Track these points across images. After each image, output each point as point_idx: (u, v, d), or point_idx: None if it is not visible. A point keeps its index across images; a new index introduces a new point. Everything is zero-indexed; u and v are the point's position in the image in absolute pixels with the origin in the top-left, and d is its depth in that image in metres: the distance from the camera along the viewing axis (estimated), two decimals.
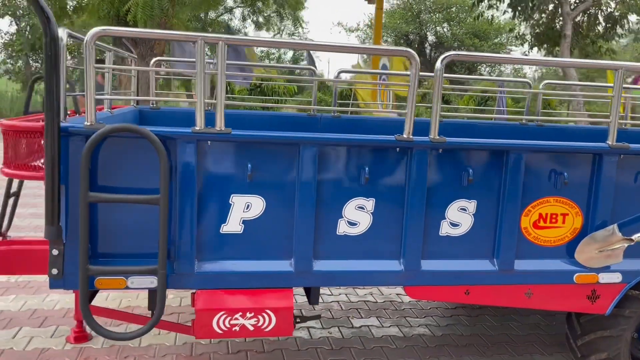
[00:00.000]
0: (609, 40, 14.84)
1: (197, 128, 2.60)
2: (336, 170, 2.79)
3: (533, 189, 2.97)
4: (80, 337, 3.87)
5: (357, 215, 2.84)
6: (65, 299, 4.63)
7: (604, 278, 3.10)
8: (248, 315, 2.77)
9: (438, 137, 2.79)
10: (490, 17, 15.37)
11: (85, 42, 2.45)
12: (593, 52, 14.51)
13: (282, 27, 29.29)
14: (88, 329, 3.97)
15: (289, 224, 2.78)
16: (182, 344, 3.93)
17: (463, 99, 14.87)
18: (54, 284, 2.62)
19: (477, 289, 3.03)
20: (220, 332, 2.77)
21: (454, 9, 31.23)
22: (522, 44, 16.31)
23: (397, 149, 2.81)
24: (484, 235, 2.98)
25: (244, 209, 2.74)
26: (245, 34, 24.62)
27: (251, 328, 2.79)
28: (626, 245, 3.00)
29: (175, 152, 2.60)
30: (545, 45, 15.10)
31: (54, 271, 2.58)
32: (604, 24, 14.56)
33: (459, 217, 2.94)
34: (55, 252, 2.56)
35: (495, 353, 4.10)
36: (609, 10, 14.42)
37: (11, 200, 3.47)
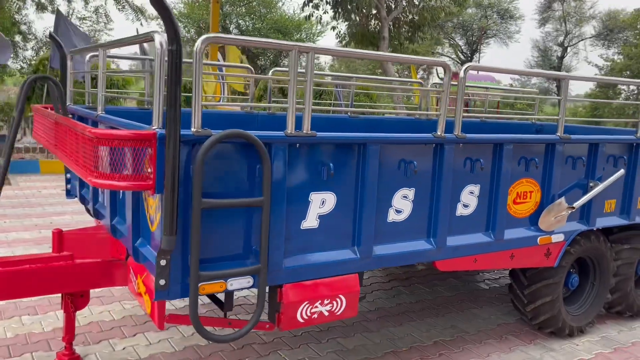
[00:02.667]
0: (413, 43, 17.27)
1: (289, 132, 2.76)
2: (390, 165, 3.17)
3: (515, 172, 3.74)
4: (73, 359, 3.56)
5: (402, 204, 3.27)
6: (12, 325, 4.10)
7: (554, 238, 4.04)
8: (325, 302, 3.01)
9: (461, 134, 3.37)
10: (317, 17, 16.50)
11: (195, 49, 2.43)
12: (402, 52, 16.70)
13: (71, 11, 26.88)
14: (78, 350, 3.66)
15: (355, 215, 3.09)
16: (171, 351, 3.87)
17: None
18: (160, 295, 2.53)
19: (481, 257, 3.70)
20: (302, 321, 2.96)
21: (254, 4, 32.11)
22: (341, 42, 17.86)
23: (433, 144, 3.31)
24: (484, 212, 3.66)
25: (320, 204, 2.96)
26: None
27: (326, 314, 3.04)
28: (570, 212, 3.98)
29: (270, 155, 2.71)
30: (360, 45, 16.80)
31: (162, 282, 2.49)
32: (408, 28, 16.85)
33: (469, 199, 3.56)
34: (163, 262, 2.48)
35: (445, 313, 4.88)
36: (411, 17, 16.71)
37: None
